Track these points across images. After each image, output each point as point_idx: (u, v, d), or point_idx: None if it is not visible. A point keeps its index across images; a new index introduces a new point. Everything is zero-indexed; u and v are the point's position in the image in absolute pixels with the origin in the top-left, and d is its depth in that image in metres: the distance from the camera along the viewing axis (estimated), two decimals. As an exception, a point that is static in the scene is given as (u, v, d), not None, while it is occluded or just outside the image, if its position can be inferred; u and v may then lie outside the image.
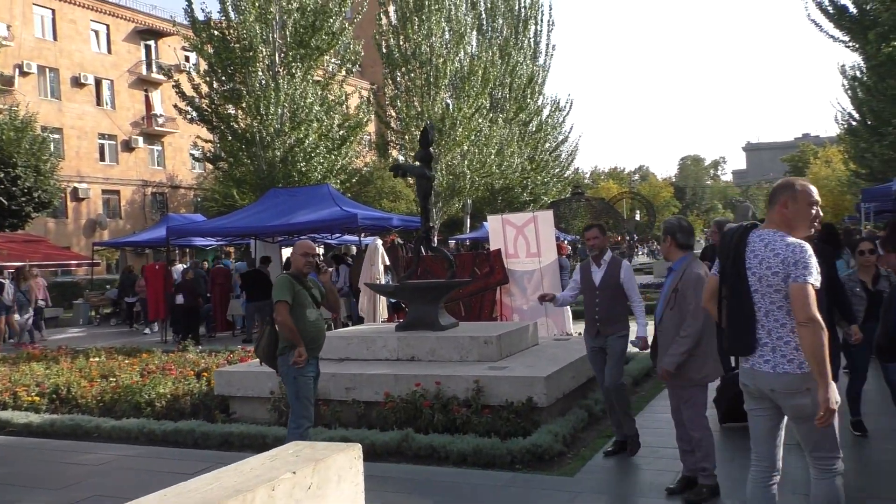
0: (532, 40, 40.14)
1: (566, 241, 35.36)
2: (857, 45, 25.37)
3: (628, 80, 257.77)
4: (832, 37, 27.12)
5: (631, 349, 6.13)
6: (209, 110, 23.26)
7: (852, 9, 25.18)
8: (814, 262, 3.26)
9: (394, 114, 31.17)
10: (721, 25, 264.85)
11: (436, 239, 17.05)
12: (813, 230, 3.44)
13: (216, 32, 22.52)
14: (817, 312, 3.18)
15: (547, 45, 41.05)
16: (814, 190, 3.45)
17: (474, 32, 35.12)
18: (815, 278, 3.22)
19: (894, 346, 5.11)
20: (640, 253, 56.35)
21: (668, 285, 4.84)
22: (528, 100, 38.30)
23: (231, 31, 22.54)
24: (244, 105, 22.43)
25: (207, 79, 23.19)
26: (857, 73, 30.24)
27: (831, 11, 26.11)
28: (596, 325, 5.63)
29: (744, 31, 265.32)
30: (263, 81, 22.59)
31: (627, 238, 29.40)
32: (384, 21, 29.33)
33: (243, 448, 6.35)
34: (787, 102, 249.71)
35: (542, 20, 40.52)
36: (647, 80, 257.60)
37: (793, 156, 79.11)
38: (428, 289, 7.96)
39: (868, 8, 23.68)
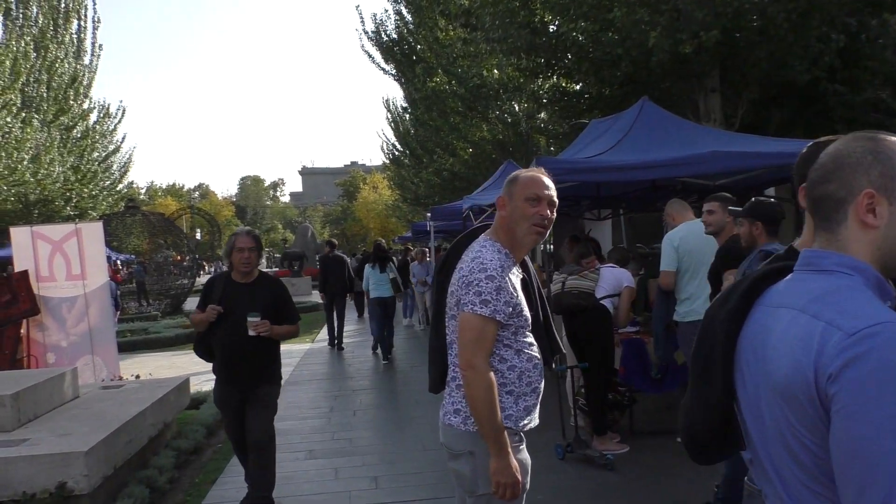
0: (75, 36, 35.66)
1: (119, 261, 31.92)
2: (404, 78, 27.88)
3: (188, 95, 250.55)
4: (383, 69, 29.52)
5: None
6: None
7: (395, 47, 27.63)
8: (493, 287, 2.43)
9: None
10: (279, 50, 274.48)
11: None
12: (538, 236, 2.58)
13: None
14: (479, 357, 2.41)
15: (93, 43, 36.86)
16: (539, 180, 2.59)
17: (0, 17, 29.86)
18: (489, 309, 2.42)
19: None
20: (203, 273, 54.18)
21: None
22: (72, 101, 33.82)
23: None
24: None
25: None
26: (402, 106, 33.36)
27: (382, 45, 28.26)
28: None
29: (300, 58, 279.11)
30: None
31: (189, 257, 27.43)
32: None
33: None
34: (338, 131, 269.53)
35: (86, 16, 36.28)
36: (208, 97, 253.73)
37: (345, 180, 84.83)
38: None
39: (417, 47, 26.11)
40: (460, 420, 2.53)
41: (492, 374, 2.43)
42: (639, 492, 4.88)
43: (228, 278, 4.70)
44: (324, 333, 15.26)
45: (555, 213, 2.64)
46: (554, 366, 3.55)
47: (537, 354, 2.62)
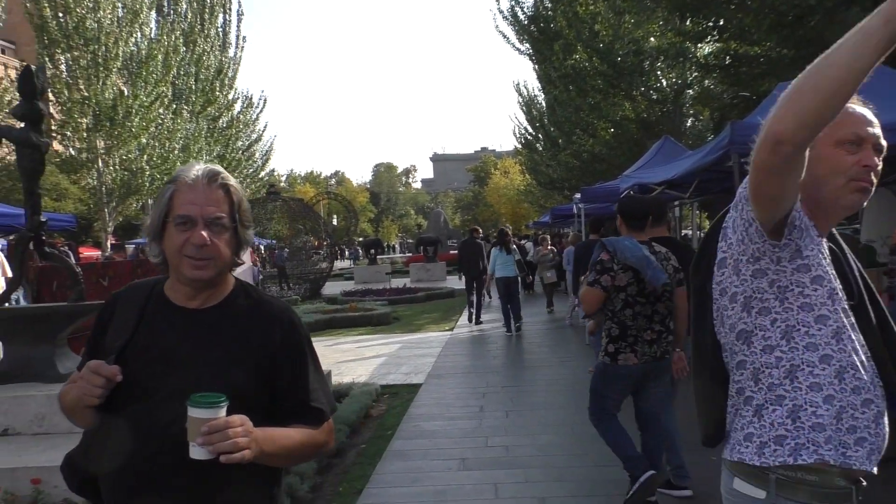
0: (221, 30, 37.09)
1: (262, 246, 32.95)
2: (540, 57, 26.88)
3: (323, 83, 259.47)
4: (517, 49, 28.64)
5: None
6: None
7: (531, 25, 26.69)
8: None
9: (53, 98, 26.46)
10: (412, 38, 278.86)
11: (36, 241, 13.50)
12: (860, 195, 1.71)
13: None
14: None
15: (237, 36, 38.30)
16: (859, 116, 1.74)
17: (153, 13, 31.39)
18: None
19: None
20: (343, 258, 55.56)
21: None
22: (218, 93, 35.29)
23: None
24: None
25: None
26: (537, 87, 32.41)
27: (517, 24, 27.36)
28: None
29: (429, 46, 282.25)
30: None
31: (327, 242, 27.78)
32: (34, -14, 24.49)
33: None
34: (469, 117, 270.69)
35: (231, 9, 37.67)
36: (342, 87, 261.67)
37: (476, 166, 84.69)
38: (36, 317, 5.24)
39: (551, 26, 25.09)
40: (753, 450, 1.70)
41: None
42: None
43: (159, 296, 1.85)
44: (464, 319, 14.80)
45: (880, 162, 1.73)
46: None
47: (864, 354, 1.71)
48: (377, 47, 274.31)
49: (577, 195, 13.46)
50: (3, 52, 47.27)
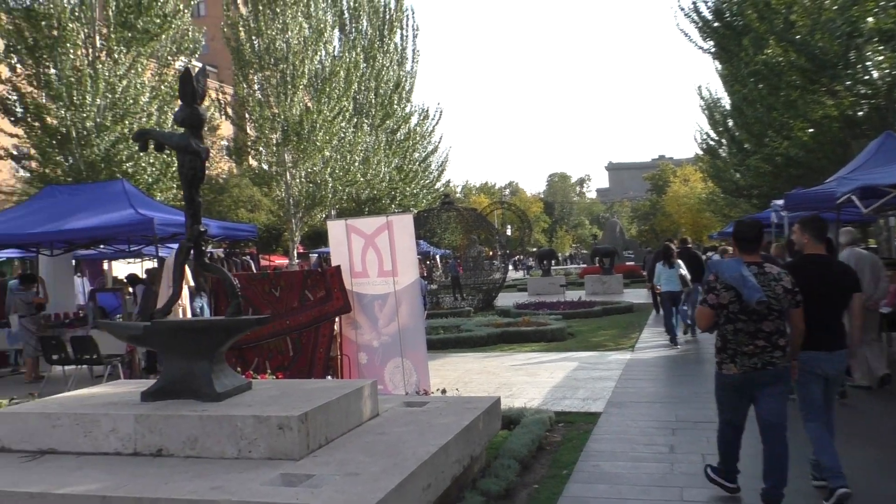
0: (398, 45, 38.12)
1: (438, 256, 33.24)
2: (727, 55, 25.03)
3: (498, 94, 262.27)
4: (700, 48, 26.88)
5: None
6: (11, 99, 19.39)
7: (715, 22, 24.95)
8: None
9: (248, 116, 28.32)
10: (583, 51, 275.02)
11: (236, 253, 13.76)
12: None
13: (15, 3, 18.68)
14: None
15: (413, 50, 39.22)
16: None
17: (336, 31, 32.81)
18: None
19: None
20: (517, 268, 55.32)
21: None
22: (396, 106, 36.25)
23: (36, 5, 18.76)
24: (53, 93, 18.71)
25: (9, 60, 19.24)
26: (721, 90, 30.54)
27: (706, 18, 25.67)
28: None
29: (604, 54, 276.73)
30: (79, 65, 18.93)
31: (500, 252, 27.41)
32: (232, 13, 26.27)
33: None
34: (645, 125, 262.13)
35: (407, 24, 38.63)
36: (515, 99, 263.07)
37: (653, 174, 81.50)
38: (196, 330, 5.05)
39: (737, 22, 23.33)
40: None
41: None
42: None
43: None
44: (643, 340, 13.74)
45: None
46: None
47: None
48: (551, 57, 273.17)
49: (778, 202, 11.95)
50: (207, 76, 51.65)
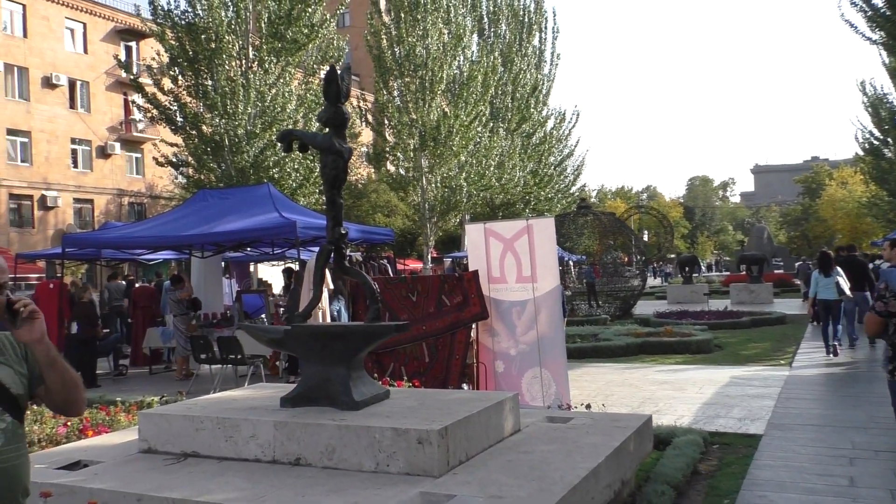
0: (537, 48, 37.72)
1: (571, 262, 32.57)
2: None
3: (633, 98, 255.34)
4: (868, 39, 24.83)
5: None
6: (172, 109, 20.80)
7: (887, 10, 22.90)
8: None
9: (387, 122, 28.89)
10: (725, 49, 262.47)
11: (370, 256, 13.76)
12: None
13: (178, 19, 19.98)
14: None
15: (552, 53, 38.67)
16: None
17: (475, 36, 32.82)
18: None
19: None
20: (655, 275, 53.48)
21: None
22: (532, 110, 35.81)
23: (197, 20, 19.99)
24: (209, 102, 19.85)
25: (172, 73, 20.63)
26: (889, 85, 28.09)
27: (877, 6, 23.70)
28: None
29: (750, 54, 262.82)
30: (233, 76, 19.99)
31: (638, 258, 26.45)
32: (375, 21, 26.86)
33: None
34: (796, 125, 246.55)
35: (546, 27, 38.11)
36: (653, 100, 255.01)
37: (806, 176, 76.20)
38: (335, 336, 4.94)
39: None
40: None
41: None
42: None
43: None
44: (802, 354, 12.70)
45: None
46: None
47: None
48: (691, 56, 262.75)
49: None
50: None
